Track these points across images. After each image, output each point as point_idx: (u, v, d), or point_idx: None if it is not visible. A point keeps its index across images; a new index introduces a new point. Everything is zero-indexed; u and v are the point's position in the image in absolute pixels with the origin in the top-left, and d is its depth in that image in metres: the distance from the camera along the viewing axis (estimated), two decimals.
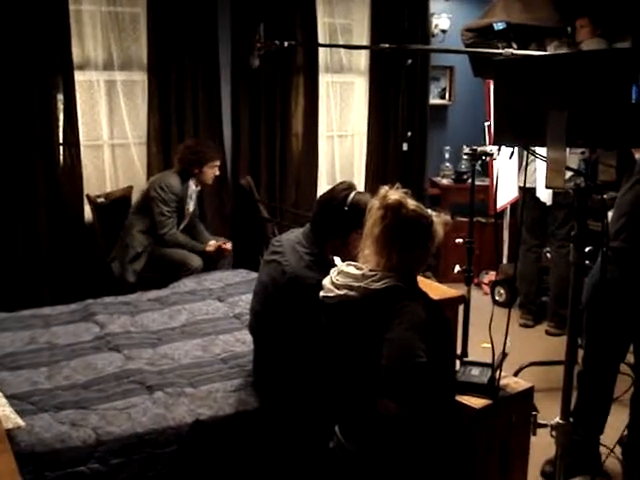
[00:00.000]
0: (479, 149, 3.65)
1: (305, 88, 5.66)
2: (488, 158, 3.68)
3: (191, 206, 4.92)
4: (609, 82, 1.83)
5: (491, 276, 6.05)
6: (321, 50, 5.74)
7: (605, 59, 1.89)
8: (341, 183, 2.91)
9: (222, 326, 3.61)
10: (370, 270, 2.32)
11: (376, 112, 6.01)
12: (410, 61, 5.92)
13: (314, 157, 5.73)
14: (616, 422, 3.28)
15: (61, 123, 4.78)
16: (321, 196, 2.95)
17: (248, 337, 3.17)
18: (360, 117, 6.10)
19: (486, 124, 3.68)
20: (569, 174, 1.98)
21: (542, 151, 2.04)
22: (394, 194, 2.36)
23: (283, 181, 5.58)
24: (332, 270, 2.47)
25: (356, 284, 2.30)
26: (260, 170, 5.46)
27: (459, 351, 3.82)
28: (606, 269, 2.86)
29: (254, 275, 4.29)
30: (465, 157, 4.22)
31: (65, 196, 4.85)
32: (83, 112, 4.96)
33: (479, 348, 4.16)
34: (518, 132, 2.02)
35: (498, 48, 5.51)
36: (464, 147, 5.68)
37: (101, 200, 4.84)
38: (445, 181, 6.47)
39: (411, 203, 2.35)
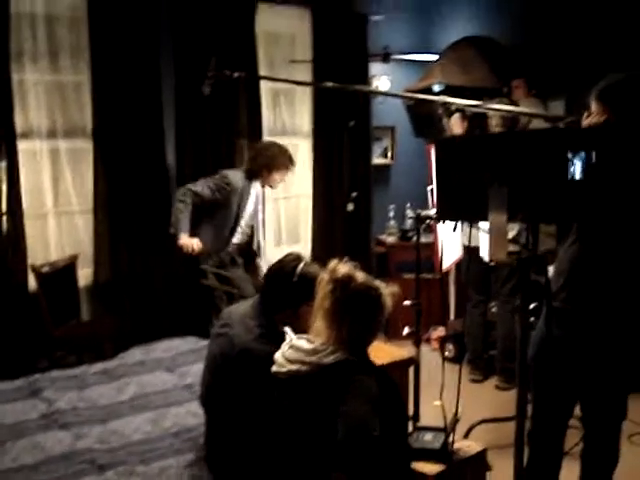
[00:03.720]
0: (423, 213, 3.73)
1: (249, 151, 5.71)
2: (432, 221, 3.76)
3: (250, 205, 4.97)
4: (547, 159, 1.91)
5: (439, 331, 6.10)
6: (265, 114, 5.82)
7: (543, 137, 1.97)
8: (289, 254, 2.94)
9: (172, 398, 3.56)
10: (321, 344, 2.34)
11: (320, 173, 6.10)
12: (353, 122, 6.04)
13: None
14: (569, 475, 3.32)
15: (4, 192, 4.72)
16: (269, 268, 2.97)
17: (199, 409, 3.14)
18: (305, 179, 6.17)
19: (428, 188, 3.77)
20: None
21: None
22: (343, 267, 2.40)
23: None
24: (283, 344, 2.49)
25: (308, 359, 2.32)
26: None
27: (411, 413, 3.85)
28: (551, 327, 2.93)
29: (203, 343, 4.25)
30: (410, 220, 4.29)
31: (8, 266, 4.76)
32: (27, 180, 4.90)
33: (431, 406, 4.20)
34: (461, 208, 2.09)
35: (438, 109, 5.70)
36: (408, 207, 5.83)
37: (46, 269, 4.77)
38: (390, 239, 6.55)
39: (360, 276, 2.39)
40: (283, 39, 6.01)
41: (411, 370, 3.89)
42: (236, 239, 5.05)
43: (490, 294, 5.42)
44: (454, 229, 2.36)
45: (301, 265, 2.81)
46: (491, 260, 2.16)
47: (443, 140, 2.24)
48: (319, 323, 2.39)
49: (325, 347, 2.32)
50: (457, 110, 5.62)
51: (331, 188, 6.11)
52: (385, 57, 6.29)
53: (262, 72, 5.77)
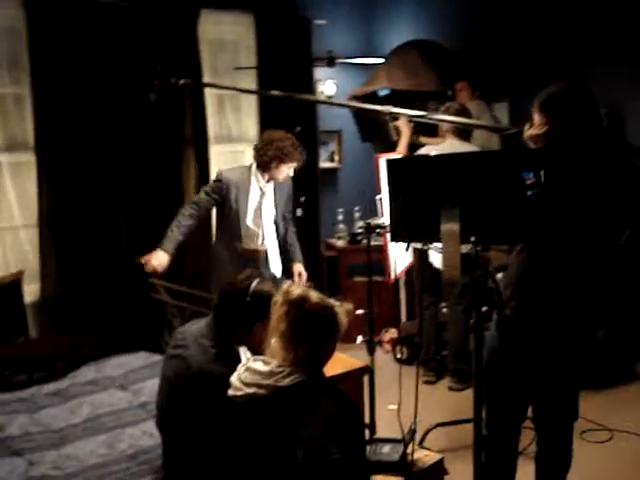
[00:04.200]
0: (372, 222, 3.73)
1: (195, 159, 5.67)
2: (382, 230, 3.76)
3: (252, 201, 4.65)
4: (499, 180, 1.93)
5: (391, 334, 6.14)
6: (210, 121, 5.78)
7: (493, 159, 1.99)
8: (240, 273, 2.92)
9: (127, 418, 3.51)
10: (278, 366, 2.33)
11: None
12: (299, 128, 6.03)
13: (208, 227, 5.71)
14: (523, 476, 3.36)
15: None
16: (221, 287, 2.95)
17: (155, 429, 3.10)
18: None
19: (377, 197, 3.80)
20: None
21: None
22: (296, 289, 2.40)
23: (179, 255, 5.51)
24: (239, 366, 2.48)
25: (264, 382, 2.31)
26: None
27: (367, 421, 3.86)
28: (503, 334, 2.99)
29: (156, 358, 4.22)
30: (359, 230, 4.30)
31: None
32: None
33: (386, 410, 4.23)
34: (413, 229, 2.10)
35: (383, 114, 5.73)
36: (356, 210, 5.81)
37: None
38: (340, 243, 6.57)
39: (314, 296, 2.39)
40: (227, 45, 5.98)
41: (366, 378, 3.91)
42: (246, 244, 4.70)
43: (440, 295, 5.48)
44: (407, 249, 2.37)
45: (254, 284, 2.79)
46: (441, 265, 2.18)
47: (394, 161, 2.24)
48: (275, 345, 2.38)
49: (282, 369, 2.31)
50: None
51: None
52: (330, 61, 6.27)
53: (207, 79, 5.74)
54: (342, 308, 2.45)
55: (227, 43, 5.98)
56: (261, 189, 4.69)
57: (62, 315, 5.07)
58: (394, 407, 4.29)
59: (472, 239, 1.97)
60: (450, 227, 1.96)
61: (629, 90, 5.26)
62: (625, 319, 5.28)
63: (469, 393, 2.58)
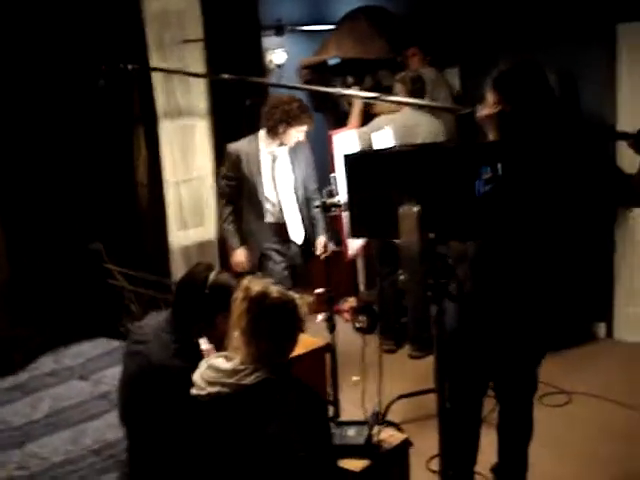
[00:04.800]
0: (328, 201, 3.72)
1: (145, 137, 5.56)
2: (337, 209, 3.74)
3: (266, 169, 4.57)
4: (455, 177, 1.93)
5: (350, 302, 6.17)
6: (159, 97, 5.65)
7: (450, 155, 1.98)
8: (198, 264, 2.89)
9: (90, 411, 3.49)
10: (241, 363, 2.32)
11: (221, 153, 5.98)
12: (249, 101, 5.94)
13: (161, 206, 5.64)
14: (486, 443, 3.44)
15: None
16: (179, 280, 2.91)
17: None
18: (205, 160, 6.05)
19: (332, 175, 3.78)
20: None
21: None
22: (256, 285, 2.38)
23: (132, 237, 5.43)
24: (201, 363, 2.46)
25: (228, 380, 2.30)
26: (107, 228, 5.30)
27: (331, 398, 3.90)
28: (462, 314, 3.02)
29: (115, 344, 4.19)
30: (316, 209, 4.27)
31: None
32: None
33: (349, 383, 4.27)
34: (373, 225, 2.09)
35: (334, 83, 5.70)
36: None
37: None
38: None
39: (274, 291, 2.38)
40: (172, 17, 5.81)
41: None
42: (269, 217, 4.65)
43: (398, 264, 5.49)
44: None
45: (212, 275, 2.76)
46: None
47: (352, 156, 2.21)
48: (237, 341, 2.37)
49: (245, 367, 2.30)
50: (355, 83, 5.65)
51: None
52: (278, 30, 6.19)
53: (153, 54, 5.58)
54: (302, 300, 2.44)
55: (172, 15, 5.81)
56: (272, 154, 4.58)
57: (15, 304, 4.96)
58: (357, 379, 4.35)
59: (431, 235, 1.96)
60: (407, 208, 1.94)
61: (579, 53, 5.28)
62: (582, 280, 5.37)
63: (430, 360, 2.59)
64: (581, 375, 4.96)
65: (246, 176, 4.55)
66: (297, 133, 4.52)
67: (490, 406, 3.51)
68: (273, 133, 4.51)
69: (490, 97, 2.90)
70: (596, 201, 2.98)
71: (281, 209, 4.63)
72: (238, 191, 4.63)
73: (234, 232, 4.60)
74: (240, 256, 4.57)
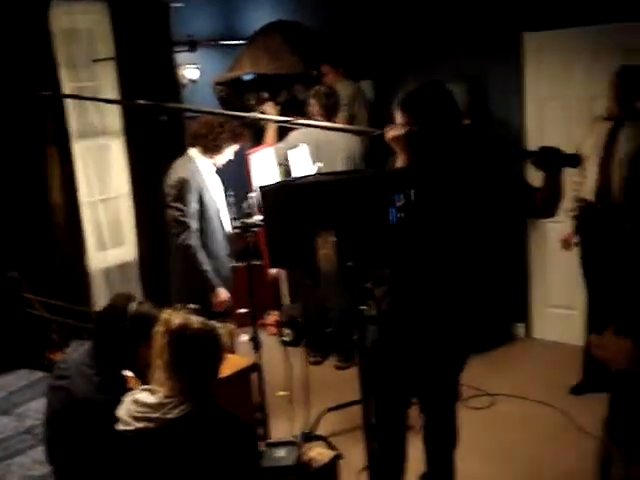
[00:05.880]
0: (248, 221, 3.74)
1: (59, 158, 5.45)
2: (258, 228, 3.76)
3: (215, 191, 4.35)
4: (368, 206, 1.96)
5: (275, 316, 6.18)
6: (72, 116, 5.56)
7: (363, 185, 2.02)
8: (118, 295, 2.87)
9: (14, 447, 3.39)
10: (165, 396, 2.31)
11: (137, 172, 5.92)
12: (165, 117, 5.89)
13: (78, 227, 5.53)
14: (413, 450, 3.48)
15: None
16: (99, 312, 2.88)
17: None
18: (121, 179, 5.98)
19: (250, 195, 3.78)
20: None
21: None
22: (177, 317, 2.38)
23: (49, 262, 5.30)
24: (126, 397, 2.44)
25: (153, 415, 2.29)
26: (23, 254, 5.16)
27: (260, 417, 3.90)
28: (384, 329, 3.06)
29: (38, 375, 4.10)
30: (237, 230, 4.27)
31: None
32: None
33: (275, 397, 4.28)
34: (292, 256, 2.11)
35: (249, 98, 5.70)
36: (230, 195, 5.69)
37: None
38: None
39: (195, 322, 2.38)
40: (82, 35, 5.72)
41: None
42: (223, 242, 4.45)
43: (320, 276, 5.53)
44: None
45: (133, 306, 2.74)
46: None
47: (267, 188, 2.22)
48: (160, 374, 2.36)
49: (169, 400, 2.30)
50: (269, 98, 5.66)
51: (150, 186, 5.93)
52: (191, 45, 6.15)
53: (63, 73, 5.48)
54: (224, 329, 2.46)
55: (82, 33, 5.73)
56: (210, 175, 4.41)
57: None
58: (284, 393, 4.37)
59: (349, 264, 2.00)
60: (325, 238, 1.96)
61: (488, 61, 5.43)
62: (500, 285, 5.53)
63: (355, 371, 2.63)
64: (504, 376, 5.10)
65: (205, 202, 4.32)
66: (231, 151, 4.41)
67: (416, 415, 3.58)
68: (214, 152, 4.33)
69: (399, 118, 2.96)
70: (505, 215, 3.07)
71: (224, 232, 4.49)
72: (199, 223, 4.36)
73: (212, 272, 4.28)
74: (224, 294, 4.28)
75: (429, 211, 2.46)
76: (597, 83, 4.79)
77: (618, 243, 4.36)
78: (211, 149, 4.31)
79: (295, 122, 3.47)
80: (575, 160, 2.75)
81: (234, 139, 4.31)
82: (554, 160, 2.76)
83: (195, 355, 2.33)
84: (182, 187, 4.24)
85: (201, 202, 4.27)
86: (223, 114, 4.32)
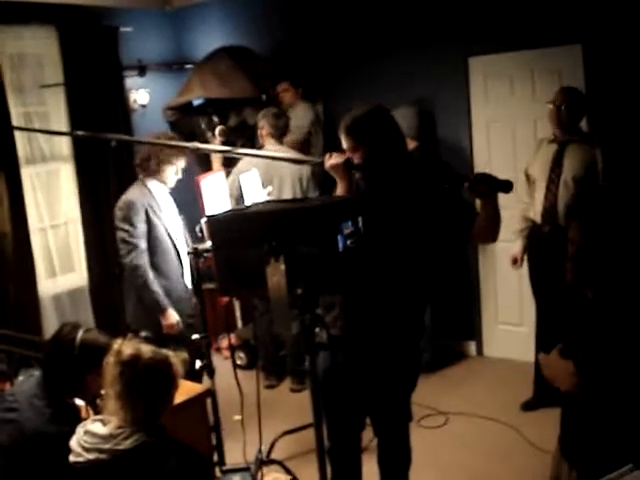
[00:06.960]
0: (200, 247, 3.73)
1: (7, 184, 5.38)
2: (209, 254, 3.75)
3: (166, 212, 4.36)
4: (317, 235, 2.00)
5: (229, 339, 6.15)
6: (20, 142, 5.50)
7: (311, 214, 2.05)
8: (64, 325, 2.85)
9: None
10: (117, 427, 2.30)
11: (87, 197, 5.88)
12: (114, 142, 5.86)
13: (28, 254, 5.46)
14: (368, 471, 3.53)
15: None
16: (47, 344, 2.86)
17: None
18: (71, 204, 5.93)
19: (202, 221, 3.79)
20: None
21: None
22: (127, 348, 2.38)
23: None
24: (78, 428, 2.42)
25: (105, 446, 2.28)
26: None
27: (214, 442, 3.88)
28: (335, 353, 3.09)
29: None
30: (189, 256, 4.25)
31: None
32: None
33: (230, 422, 4.26)
34: (241, 283, 2.13)
35: (200, 124, 5.71)
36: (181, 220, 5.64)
37: None
38: None
39: (146, 352, 2.38)
40: (30, 61, 5.68)
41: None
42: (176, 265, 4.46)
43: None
44: None
45: (79, 335, 2.73)
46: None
47: (215, 218, 2.24)
48: (112, 405, 2.35)
49: (121, 431, 2.29)
50: (220, 122, 5.68)
51: (100, 211, 5.91)
52: (141, 70, 6.15)
53: (11, 98, 5.43)
54: (177, 358, 2.46)
55: (30, 58, 5.69)
56: (165, 199, 4.45)
57: None
58: (239, 418, 4.35)
59: (299, 291, 2.02)
60: (274, 266, 1.98)
61: (436, 86, 5.54)
62: (450, 301, 5.60)
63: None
64: (456, 394, 5.15)
65: (153, 223, 4.34)
66: (173, 169, 4.41)
67: (369, 436, 3.61)
68: (158, 174, 4.38)
69: (345, 143, 3.00)
70: (448, 239, 3.12)
71: (178, 253, 4.48)
72: (148, 246, 4.37)
73: (161, 293, 4.29)
74: (173, 317, 4.29)
75: (377, 237, 2.49)
76: (538, 104, 4.92)
77: (563, 264, 4.45)
78: (155, 171, 4.38)
79: (234, 152, 3.48)
80: (508, 186, 2.80)
81: (175, 157, 4.35)
82: (487, 186, 2.82)
83: (147, 386, 2.33)
84: (128, 208, 4.31)
85: (149, 222, 4.31)
86: (167, 146, 4.30)
